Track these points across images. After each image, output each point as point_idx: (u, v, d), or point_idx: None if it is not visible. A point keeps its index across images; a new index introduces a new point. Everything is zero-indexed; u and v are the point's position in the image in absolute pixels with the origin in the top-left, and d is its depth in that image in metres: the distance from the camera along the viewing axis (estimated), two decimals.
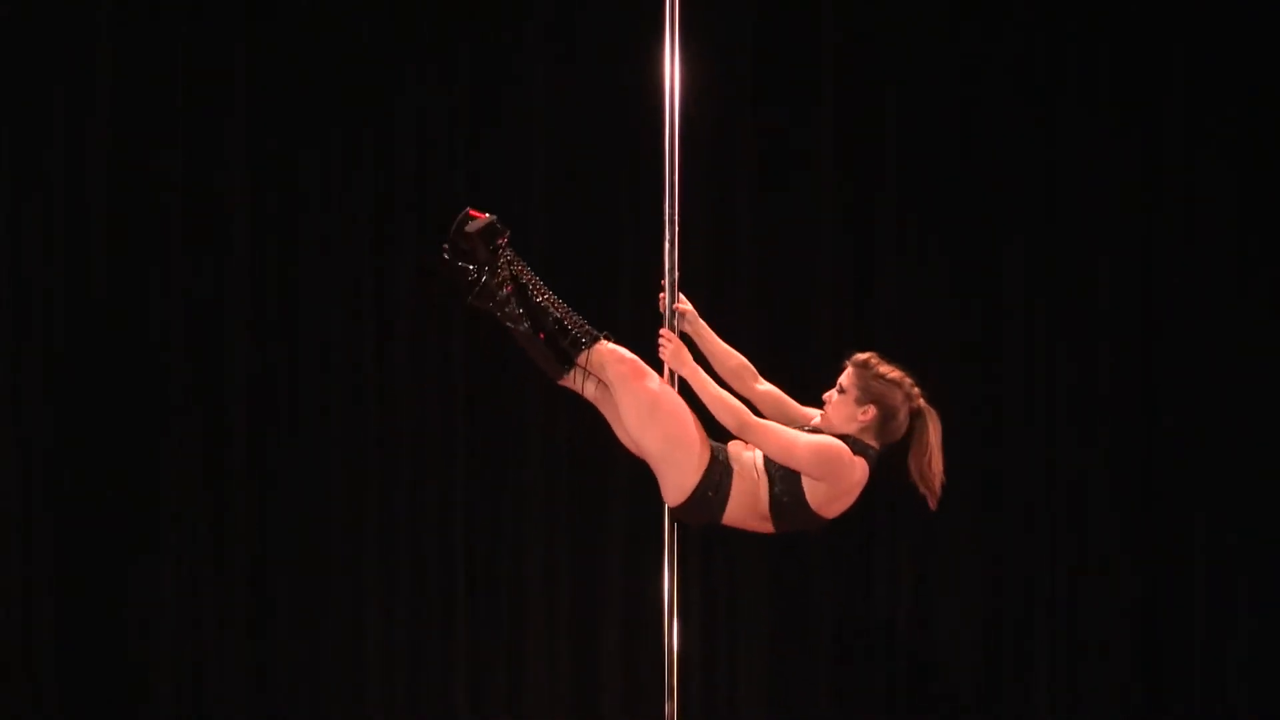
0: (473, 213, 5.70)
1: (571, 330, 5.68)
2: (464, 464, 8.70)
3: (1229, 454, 8.81)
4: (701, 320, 5.85)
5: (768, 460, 5.62)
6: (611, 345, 5.71)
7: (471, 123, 8.72)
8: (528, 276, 5.69)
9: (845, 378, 5.67)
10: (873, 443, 5.64)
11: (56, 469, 8.51)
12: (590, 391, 5.76)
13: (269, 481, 8.61)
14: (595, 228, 8.67)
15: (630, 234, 8.63)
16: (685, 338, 5.78)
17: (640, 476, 5.98)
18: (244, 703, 8.55)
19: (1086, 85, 8.84)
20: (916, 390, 5.67)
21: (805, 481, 5.58)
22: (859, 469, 5.60)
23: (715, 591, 8.63)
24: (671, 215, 5.78)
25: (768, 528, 5.70)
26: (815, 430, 5.67)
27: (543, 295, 5.69)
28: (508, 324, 5.70)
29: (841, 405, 5.66)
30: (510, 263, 5.69)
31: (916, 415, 5.65)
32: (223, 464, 8.59)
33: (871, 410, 5.63)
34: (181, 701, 8.53)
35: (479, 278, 5.68)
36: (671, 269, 5.79)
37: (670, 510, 5.70)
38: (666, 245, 5.79)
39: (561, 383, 5.78)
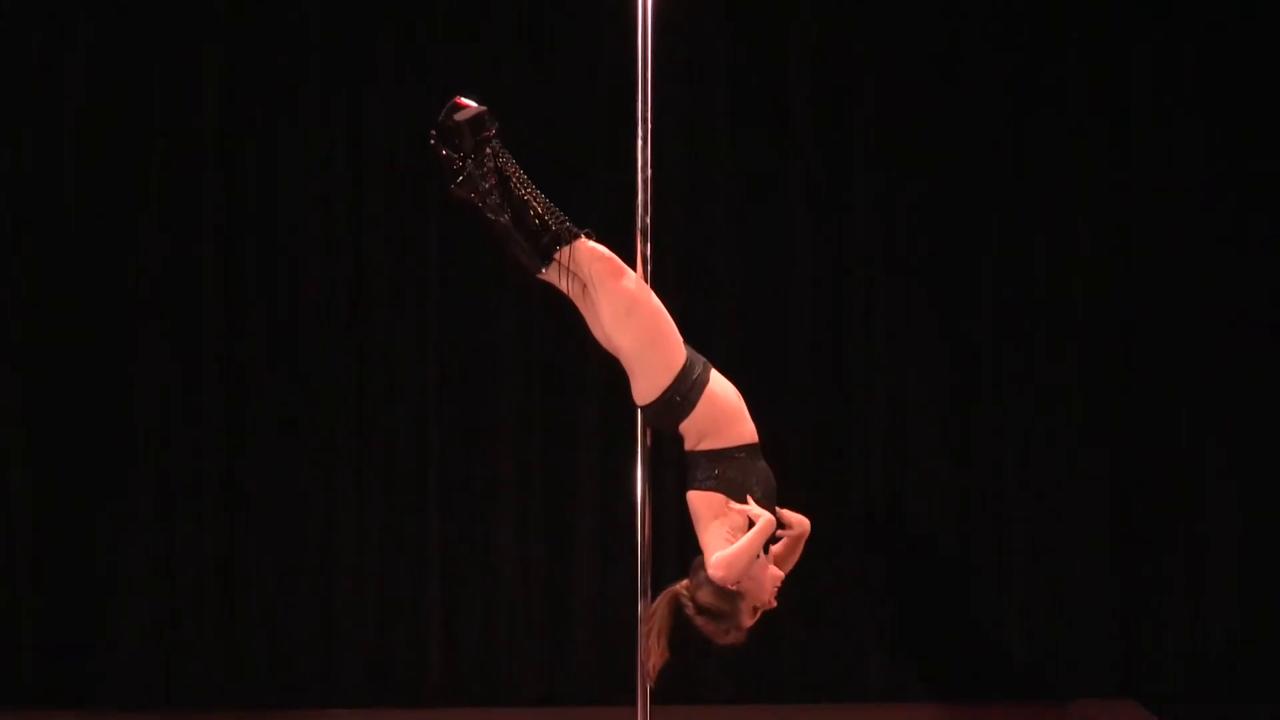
0: (461, 102, 5.71)
1: (553, 226, 5.70)
2: (436, 368, 8.75)
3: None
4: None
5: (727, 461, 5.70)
6: (592, 243, 5.74)
7: (443, 70, 8.77)
8: (512, 170, 5.70)
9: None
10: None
11: (30, 381, 8.60)
12: (569, 288, 5.78)
13: (243, 387, 8.67)
14: (566, 172, 8.68)
15: (602, 177, 8.67)
16: None
17: (616, 378, 6.02)
18: (215, 595, 8.65)
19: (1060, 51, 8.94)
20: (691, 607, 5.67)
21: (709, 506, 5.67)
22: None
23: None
24: (645, 160, 5.81)
25: (685, 446, 5.76)
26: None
27: (526, 189, 5.70)
28: (489, 215, 5.70)
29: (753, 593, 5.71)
30: (496, 154, 5.69)
31: (673, 605, 5.68)
32: (199, 368, 8.65)
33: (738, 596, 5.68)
34: (155, 621, 8.64)
35: (464, 167, 5.69)
36: (644, 211, 5.82)
37: (639, 410, 5.75)
38: (640, 188, 5.82)
39: (540, 277, 5.80)
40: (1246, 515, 8.92)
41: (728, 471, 5.66)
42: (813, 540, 8.70)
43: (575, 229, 5.72)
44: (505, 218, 5.70)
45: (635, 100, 5.80)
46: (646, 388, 5.70)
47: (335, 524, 8.70)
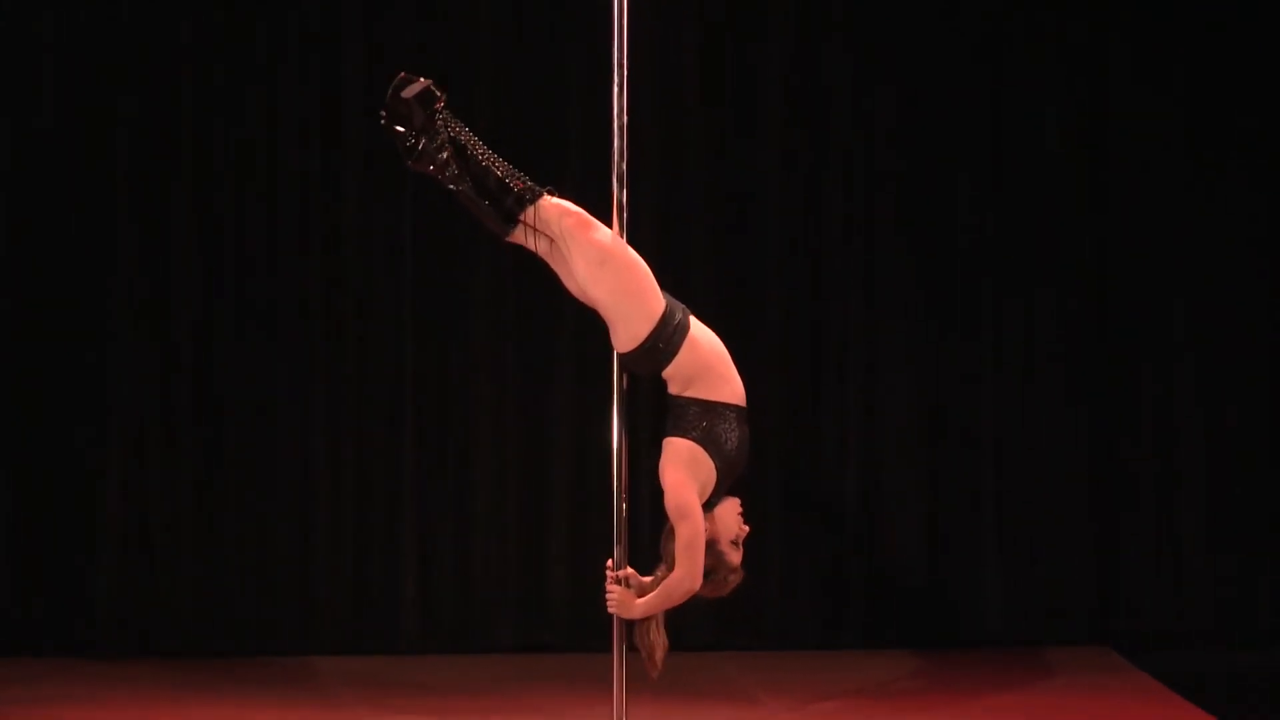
0: (406, 77, 5.69)
1: (515, 188, 5.68)
2: (411, 314, 8.76)
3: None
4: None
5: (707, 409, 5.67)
6: (556, 200, 5.72)
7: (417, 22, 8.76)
8: (466, 137, 5.69)
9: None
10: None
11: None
12: (536, 246, 5.78)
13: (213, 335, 8.68)
14: (541, 118, 8.72)
15: (576, 121, 8.68)
16: None
17: (591, 323, 6.02)
18: (190, 543, 8.66)
19: None
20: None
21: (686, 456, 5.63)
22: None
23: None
24: (621, 106, 5.79)
25: (671, 390, 5.74)
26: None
27: (483, 155, 5.70)
28: (450, 186, 5.70)
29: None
30: (448, 124, 5.68)
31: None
32: (170, 312, 8.66)
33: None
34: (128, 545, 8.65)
35: (418, 142, 5.68)
36: (620, 158, 5.80)
37: (618, 356, 5.75)
38: (615, 135, 5.80)
39: (510, 239, 5.80)
40: (1218, 466, 8.98)
41: (716, 426, 5.66)
42: (792, 490, 8.82)
43: (538, 188, 5.70)
44: (466, 186, 5.69)
45: (610, 46, 5.79)
46: (627, 336, 5.69)
47: (311, 472, 8.70)
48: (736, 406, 5.71)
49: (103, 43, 8.61)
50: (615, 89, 5.76)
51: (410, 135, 5.68)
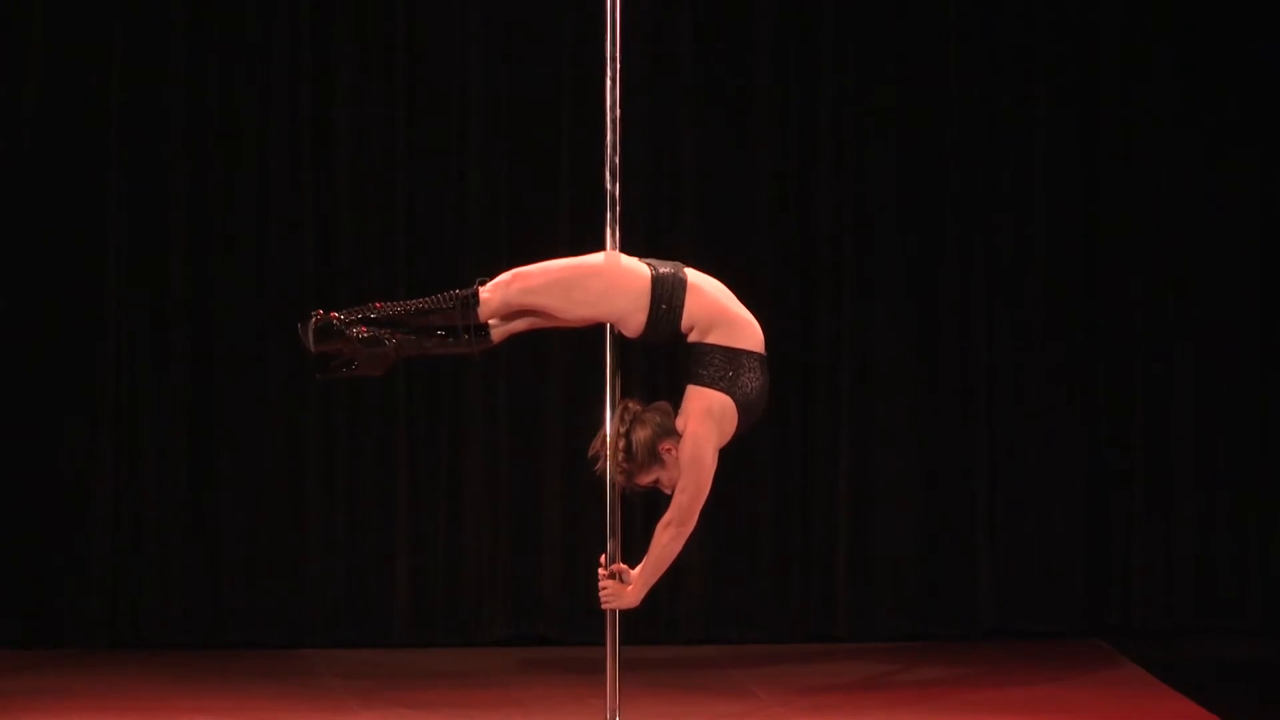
0: (303, 328, 5.64)
1: (453, 308, 5.65)
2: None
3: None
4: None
5: (725, 356, 5.68)
6: (489, 284, 5.70)
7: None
8: (378, 311, 5.67)
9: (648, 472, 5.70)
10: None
11: None
12: (521, 326, 5.78)
13: (208, 323, 8.65)
14: (535, 105, 8.76)
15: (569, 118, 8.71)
16: None
17: None
18: (181, 535, 8.63)
19: None
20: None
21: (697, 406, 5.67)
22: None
23: None
24: (614, 100, 5.78)
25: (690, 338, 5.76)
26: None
27: (406, 309, 5.67)
28: (409, 354, 5.70)
29: (669, 473, 5.69)
30: (362, 321, 5.66)
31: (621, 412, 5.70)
32: (164, 302, 8.64)
33: (659, 462, 5.68)
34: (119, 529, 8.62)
35: (357, 362, 5.65)
36: (613, 151, 5.80)
37: (638, 340, 5.75)
38: (609, 128, 5.79)
39: (497, 342, 5.78)
40: (1210, 459, 8.98)
41: (741, 375, 5.68)
42: (781, 479, 8.81)
43: (470, 290, 5.66)
44: (416, 340, 5.68)
45: (604, 39, 5.79)
46: (633, 324, 5.71)
47: (302, 464, 8.68)
48: (758, 354, 5.71)
49: (93, 29, 8.59)
50: (608, 82, 5.76)
51: (353, 361, 5.65)
